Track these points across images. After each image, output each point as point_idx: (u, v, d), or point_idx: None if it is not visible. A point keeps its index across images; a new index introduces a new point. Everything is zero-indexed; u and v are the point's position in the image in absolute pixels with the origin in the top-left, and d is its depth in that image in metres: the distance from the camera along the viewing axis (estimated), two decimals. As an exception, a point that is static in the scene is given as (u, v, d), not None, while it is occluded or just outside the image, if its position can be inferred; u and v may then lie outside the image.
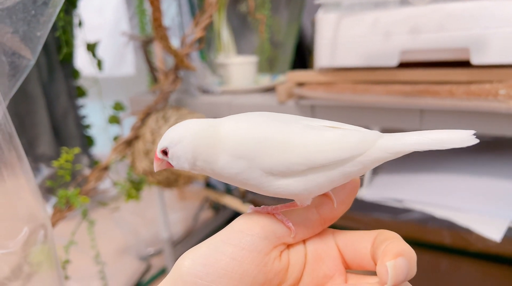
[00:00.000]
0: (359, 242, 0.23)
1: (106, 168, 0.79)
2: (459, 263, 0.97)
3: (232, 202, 0.89)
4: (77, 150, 0.73)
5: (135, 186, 0.86)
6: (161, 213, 0.99)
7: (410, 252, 0.20)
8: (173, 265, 0.25)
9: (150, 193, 1.00)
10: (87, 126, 1.08)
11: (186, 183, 0.82)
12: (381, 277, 0.19)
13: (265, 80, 0.96)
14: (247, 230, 0.23)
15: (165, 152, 0.24)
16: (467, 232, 1.04)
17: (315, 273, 0.24)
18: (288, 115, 0.25)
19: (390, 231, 0.22)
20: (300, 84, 0.79)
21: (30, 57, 0.32)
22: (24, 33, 0.31)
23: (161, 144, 0.24)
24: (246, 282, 0.22)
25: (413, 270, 0.20)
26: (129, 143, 0.80)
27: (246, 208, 0.85)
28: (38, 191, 0.51)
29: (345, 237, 0.24)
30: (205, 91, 0.89)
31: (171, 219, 1.17)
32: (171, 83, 0.81)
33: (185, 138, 0.23)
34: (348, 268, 0.24)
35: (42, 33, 0.32)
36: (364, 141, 0.22)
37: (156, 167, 0.25)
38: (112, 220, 1.17)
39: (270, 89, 0.89)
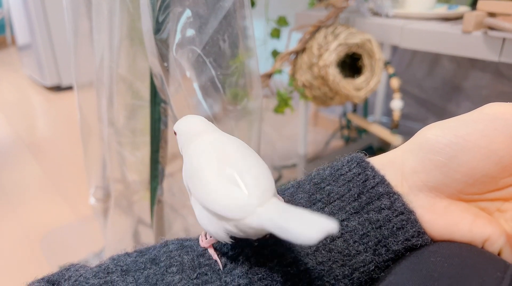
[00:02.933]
0: None
1: (269, 76, 0.85)
2: None
3: (380, 131, 0.88)
4: (251, 53, 0.79)
5: (287, 99, 0.91)
6: (302, 130, 1.03)
7: None
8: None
9: (288, 111, 1.04)
10: (246, 37, 1.14)
11: (342, 102, 0.83)
12: None
13: (441, 10, 0.87)
14: (500, 115, 0.24)
15: (175, 133, 0.30)
16: None
17: None
18: (238, 154, 0.26)
19: None
20: (492, 15, 0.70)
21: None
22: None
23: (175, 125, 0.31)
24: (491, 160, 0.23)
25: None
26: (295, 54, 0.83)
27: (395, 139, 0.84)
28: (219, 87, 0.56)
29: None
30: (376, 13, 0.85)
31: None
32: (345, 0, 0.79)
33: (184, 132, 0.29)
34: None
35: None
36: (241, 209, 0.22)
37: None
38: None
39: (448, 19, 0.81)
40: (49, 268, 0.94)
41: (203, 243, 0.27)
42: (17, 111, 1.93)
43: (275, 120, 1.11)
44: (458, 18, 0.82)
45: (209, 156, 0.25)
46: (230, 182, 0.23)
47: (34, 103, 2.07)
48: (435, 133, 0.25)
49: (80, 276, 0.27)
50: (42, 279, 0.28)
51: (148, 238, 0.81)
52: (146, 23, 0.40)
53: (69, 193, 1.18)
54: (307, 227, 0.19)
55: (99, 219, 0.88)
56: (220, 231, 0.24)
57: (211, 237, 0.27)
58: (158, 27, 0.40)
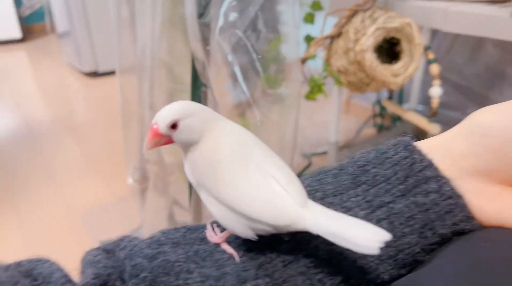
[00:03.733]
0: None
1: (303, 61, 0.84)
2: None
3: (417, 119, 0.86)
4: (283, 39, 0.79)
5: (321, 84, 0.90)
6: (335, 117, 1.03)
7: None
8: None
9: (320, 97, 1.03)
10: (280, 23, 1.13)
11: (378, 88, 0.82)
12: None
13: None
14: None
15: (174, 126, 0.24)
16: None
17: None
18: (258, 149, 0.25)
19: None
20: (545, -4, 0.66)
21: None
22: None
23: (168, 118, 0.24)
24: None
25: None
26: (331, 39, 0.82)
27: (433, 127, 0.82)
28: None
29: None
30: (416, -4, 0.82)
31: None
32: (385, -18, 0.77)
33: (197, 112, 0.25)
34: None
35: None
36: (282, 215, 0.22)
37: (150, 144, 0.24)
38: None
39: (495, 1, 0.77)
40: (90, 243, 0.99)
41: (215, 238, 0.26)
42: (57, 96, 2.02)
43: (306, 106, 1.10)
44: (506, 0, 0.78)
45: (231, 151, 0.24)
46: (263, 184, 0.23)
47: (73, 88, 2.16)
48: (488, 117, 0.24)
49: (134, 246, 0.28)
50: (98, 248, 0.30)
51: (184, 219, 0.84)
52: (190, 7, 0.41)
53: (107, 174, 1.23)
54: (364, 237, 0.20)
55: (136, 199, 0.92)
56: (248, 230, 0.24)
57: (221, 231, 0.26)
58: (201, 11, 0.41)
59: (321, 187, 0.28)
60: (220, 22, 0.40)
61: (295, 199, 0.23)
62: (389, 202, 0.26)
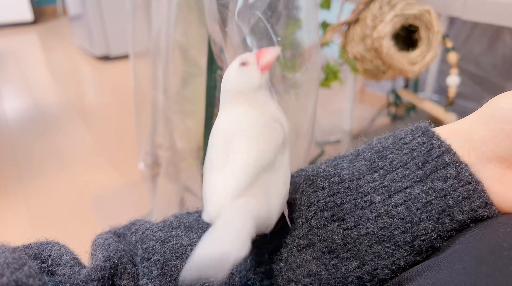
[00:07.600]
0: None
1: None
2: None
3: (433, 108, 0.85)
4: (299, 24, 0.77)
5: (337, 71, 0.89)
6: (349, 105, 1.01)
7: None
8: None
9: (334, 85, 1.02)
10: (295, 8, 1.11)
11: (394, 76, 0.81)
12: None
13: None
14: None
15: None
16: None
17: None
18: (242, 146, 0.24)
19: None
20: None
21: None
22: None
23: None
24: None
25: None
26: (348, 25, 0.80)
27: (449, 116, 0.80)
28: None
29: None
30: (437, -18, 0.80)
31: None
32: (405, -33, 0.74)
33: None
34: None
35: None
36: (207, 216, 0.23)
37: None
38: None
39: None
40: (100, 228, 1.00)
41: None
42: (68, 79, 2.03)
43: (320, 94, 1.09)
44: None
45: (222, 138, 0.25)
46: (213, 179, 0.24)
47: (84, 72, 2.16)
48: (508, 102, 0.24)
49: (147, 229, 0.28)
50: (109, 231, 0.30)
51: (195, 206, 0.84)
52: (208, -12, 0.40)
53: (117, 159, 1.24)
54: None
55: (147, 185, 0.93)
56: None
57: None
58: (220, -8, 0.40)
59: (337, 172, 0.28)
60: (239, 3, 0.39)
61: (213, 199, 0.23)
62: (406, 188, 0.25)
